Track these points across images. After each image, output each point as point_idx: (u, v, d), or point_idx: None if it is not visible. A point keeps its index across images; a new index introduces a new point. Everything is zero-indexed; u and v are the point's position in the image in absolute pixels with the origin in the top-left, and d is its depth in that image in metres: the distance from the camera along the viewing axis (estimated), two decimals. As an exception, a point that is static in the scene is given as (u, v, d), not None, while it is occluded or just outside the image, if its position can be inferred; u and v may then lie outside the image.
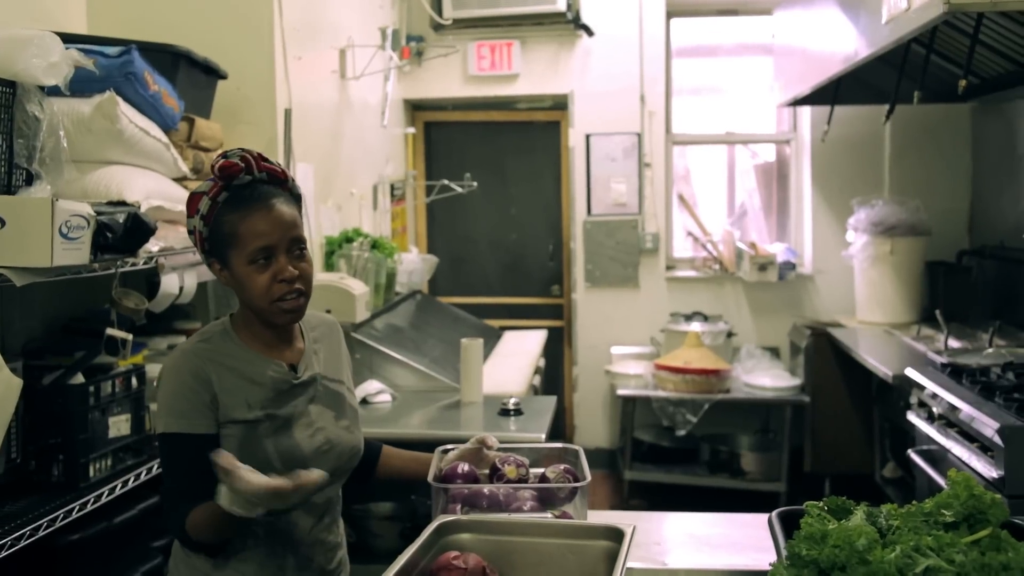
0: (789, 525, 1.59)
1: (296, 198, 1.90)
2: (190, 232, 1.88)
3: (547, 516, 1.79)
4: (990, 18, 3.54)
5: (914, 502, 1.46)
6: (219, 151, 3.14)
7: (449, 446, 2.03)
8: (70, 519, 2.21)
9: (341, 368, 2.04)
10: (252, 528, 1.81)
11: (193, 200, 1.85)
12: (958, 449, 3.27)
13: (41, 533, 2.09)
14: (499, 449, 2.02)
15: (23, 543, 2.02)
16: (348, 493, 2.10)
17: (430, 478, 1.87)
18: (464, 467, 1.92)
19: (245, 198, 1.81)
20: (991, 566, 1.23)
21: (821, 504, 1.52)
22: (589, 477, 1.84)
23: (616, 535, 1.56)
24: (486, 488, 1.85)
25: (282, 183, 1.88)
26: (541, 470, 1.95)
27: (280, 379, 1.87)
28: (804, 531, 1.37)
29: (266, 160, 1.86)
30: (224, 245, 1.82)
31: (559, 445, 2.06)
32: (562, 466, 1.92)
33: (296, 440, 1.85)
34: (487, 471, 1.96)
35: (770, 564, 1.40)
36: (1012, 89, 4.45)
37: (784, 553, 1.39)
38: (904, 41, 3.48)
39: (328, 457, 1.89)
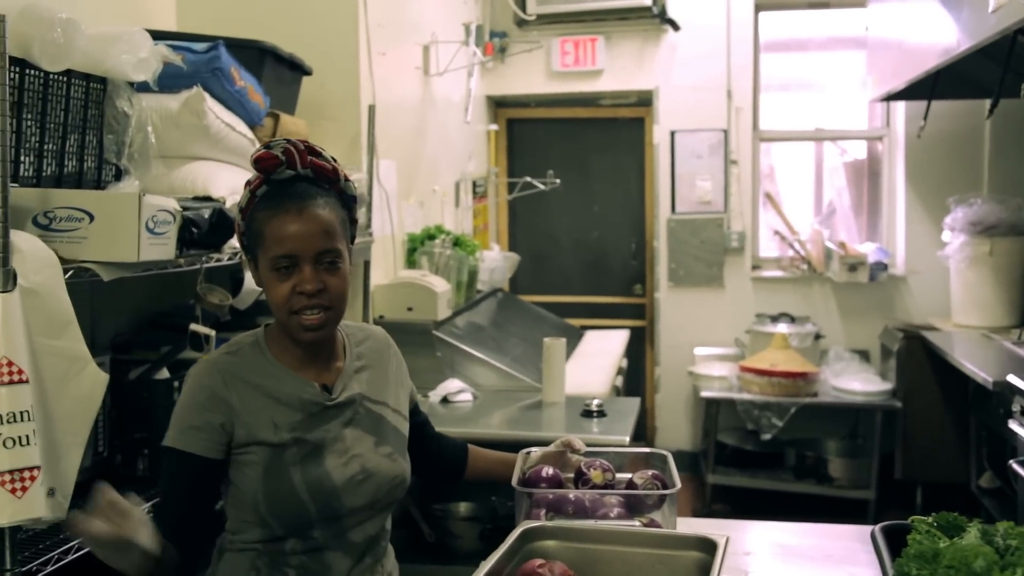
0: (893, 540, 1.50)
1: (347, 200, 1.74)
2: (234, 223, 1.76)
3: (635, 524, 1.73)
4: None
5: (1034, 521, 1.36)
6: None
7: (533, 448, 1.98)
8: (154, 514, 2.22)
9: (388, 388, 1.86)
10: (283, 571, 1.69)
11: (244, 188, 1.73)
12: (1065, 461, 3.11)
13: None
14: (584, 453, 1.96)
15: (109, 536, 2.02)
16: (429, 492, 2.07)
17: (514, 482, 1.82)
18: (548, 471, 1.87)
19: (280, 196, 1.65)
20: (1124, 594, 1.14)
21: (930, 519, 1.43)
22: (679, 484, 1.77)
23: (708, 546, 1.50)
24: (571, 493, 1.79)
25: (332, 182, 1.72)
26: (628, 475, 1.89)
27: (311, 401, 1.70)
28: (913, 549, 1.29)
29: (316, 155, 1.70)
30: (254, 244, 1.68)
31: (646, 450, 1.99)
32: (650, 472, 1.86)
33: (326, 468, 1.68)
34: (571, 475, 1.90)
35: (876, 584, 1.32)
36: (1124, 82, 4.22)
37: (891, 572, 1.31)
38: (1011, 32, 3.32)
39: (364, 488, 1.71)
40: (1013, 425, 3.61)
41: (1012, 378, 3.66)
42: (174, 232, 2.05)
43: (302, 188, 1.67)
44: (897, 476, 5.22)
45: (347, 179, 1.76)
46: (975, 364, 4.23)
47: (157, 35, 2.40)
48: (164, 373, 2.40)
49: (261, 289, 2.61)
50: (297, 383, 1.72)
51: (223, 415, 1.66)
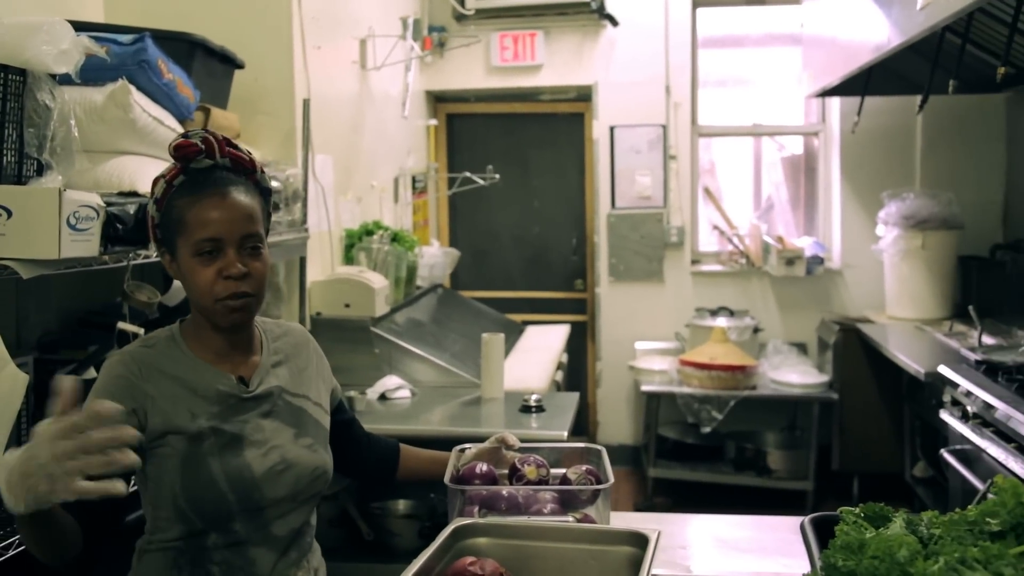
0: (822, 531, 1.51)
1: (264, 191, 1.75)
2: (148, 218, 1.73)
3: (568, 519, 1.72)
4: (1029, 4, 3.42)
5: (957, 509, 1.37)
6: (236, 142, 3.10)
7: (467, 445, 1.96)
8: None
9: (308, 382, 1.85)
10: (207, 567, 1.66)
11: (154, 183, 1.71)
12: (994, 449, 3.17)
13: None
14: (519, 448, 1.95)
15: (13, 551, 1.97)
16: (367, 491, 2.03)
17: (447, 479, 1.80)
18: (482, 467, 1.85)
19: (200, 183, 1.65)
20: (1043, 581, 1.15)
21: (857, 510, 1.44)
22: (612, 479, 1.77)
23: (640, 541, 1.49)
24: (505, 490, 1.78)
25: (249, 172, 1.72)
26: (562, 471, 1.88)
27: (227, 392, 1.69)
28: (840, 540, 1.29)
29: (233, 146, 1.71)
30: (173, 232, 1.66)
31: (581, 445, 1.98)
32: (584, 467, 1.85)
33: (246, 459, 1.66)
34: (506, 471, 1.89)
35: (803, 574, 1.32)
36: (1049, 79, 4.33)
37: (819, 563, 1.31)
38: (938, 29, 3.39)
39: (284, 479, 1.70)
40: (943, 415, 3.68)
41: (943, 369, 3.73)
42: (97, 228, 2.00)
43: (222, 176, 1.68)
44: (834, 467, 5.30)
45: (263, 171, 1.77)
46: (908, 356, 4.31)
47: (82, 27, 2.34)
48: (91, 372, 2.34)
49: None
50: (214, 375, 1.70)
51: (135, 401, 1.62)
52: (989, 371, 3.53)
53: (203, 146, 1.67)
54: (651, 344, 5.87)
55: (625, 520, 2.00)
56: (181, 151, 1.67)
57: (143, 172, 2.44)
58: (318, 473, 1.77)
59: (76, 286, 2.74)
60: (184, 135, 1.69)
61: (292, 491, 1.72)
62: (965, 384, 3.49)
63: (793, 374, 5.27)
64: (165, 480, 1.64)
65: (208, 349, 1.73)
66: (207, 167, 1.68)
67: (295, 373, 1.83)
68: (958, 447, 3.57)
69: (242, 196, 1.67)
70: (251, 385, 1.74)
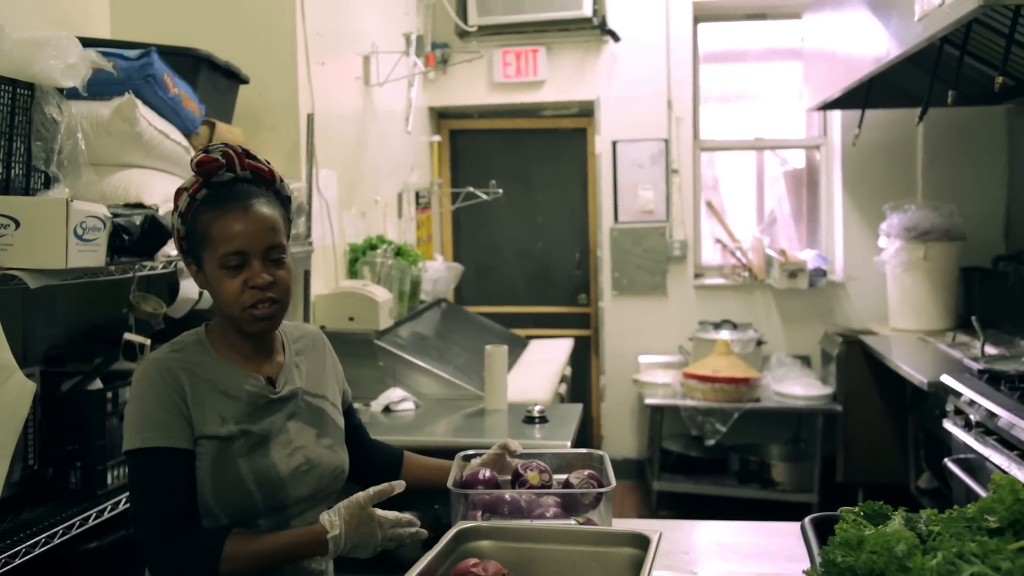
0: (823, 532, 1.52)
1: (283, 200, 1.80)
2: (172, 229, 1.78)
3: (570, 523, 1.73)
4: (1025, 15, 3.45)
5: (956, 507, 1.39)
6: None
7: (470, 451, 1.98)
8: (87, 527, 2.18)
9: (325, 383, 1.91)
10: None
11: (176, 196, 1.75)
12: (997, 457, 3.17)
13: (57, 540, 2.06)
14: (522, 455, 1.96)
15: (39, 550, 1.99)
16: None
17: (449, 483, 1.81)
18: (485, 473, 1.86)
19: (223, 197, 1.70)
20: (1040, 574, 1.16)
21: (856, 509, 1.45)
22: (614, 482, 1.78)
23: (642, 542, 1.50)
24: (507, 494, 1.79)
25: (268, 183, 1.77)
26: (565, 476, 1.89)
27: (256, 393, 1.75)
28: (839, 536, 1.31)
29: (252, 157, 1.75)
30: (199, 246, 1.71)
31: (583, 451, 2.00)
32: (586, 472, 1.86)
33: (273, 459, 1.72)
34: (509, 477, 1.90)
35: (804, 572, 1.33)
36: (1049, 90, 4.35)
37: (818, 560, 1.32)
38: (936, 40, 3.41)
39: (308, 478, 1.77)
40: (947, 425, 3.68)
41: (946, 379, 3.74)
42: (104, 239, 2.02)
43: (243, 188, 1.73)
44: (839, 479, 5.29)
45: (281, 180, 1.81)
46: (911, 367, 4.31)
47: (89, 42, 2.37)
48: (97, 384, 2.36)
49: (196, 298, 2.62)
50: (243, 377, 1.76)
51: (185, 405, 1.68)
52: (992, 380, 3.54)
53: (224, 160, 1.71)
54: (655, 358, 5.88)
55: (628, 525, 2.01)
56: (204, 166, 1.71)
57: (149, 185, 2.47)
58: (337, 472, 1.85)
59: (82, 300, 2.76)
60: (205, 150, 1.73)
61: (314, 490, 1.79)
62: (968, 393, 3.50)
63: (797, 386, 5.28)
64: (194, 477, 1.69)
65: (235, 351, 1.78)
66: (228, 180, 1.73)
67: (313, 374, 1.89)
68: (962, 456, 3.57)
69: (264, 208, 1.72)
70: (277, 385, 1.79)
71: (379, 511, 1.71)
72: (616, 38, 5.90)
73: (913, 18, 3.31)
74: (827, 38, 5.11)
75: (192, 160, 1.72)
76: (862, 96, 4.82)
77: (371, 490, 1.71)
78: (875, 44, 4.01)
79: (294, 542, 1.68)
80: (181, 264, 2.51)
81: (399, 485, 1.74)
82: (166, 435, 1.66)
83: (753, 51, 6.20)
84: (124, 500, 2.32)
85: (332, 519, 1.68)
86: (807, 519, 1.55)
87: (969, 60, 3.89)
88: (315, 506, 1.80)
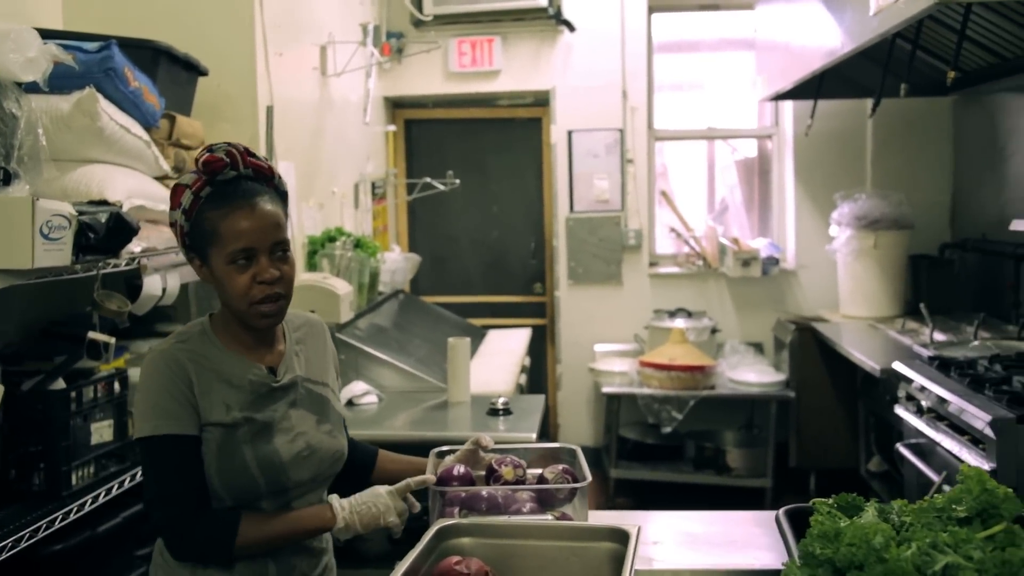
0: (796, 523, 1.56)
1: (282, 195, 1.85)
2: (172, 225, 1.82)
3: (547, 518, 1.75)
4: (976, 11, 3.53)
5: (926, 497, 1.43)
6: (201, 149, 3.08)
7: (445, 447, 1.99)
8: (53, 529, 2.15)
9: (325, 370, 1.98)
10: None
11: (176, 192, 1.79)
12: (948, 442, 3.26)
13: (23, 544, 2.03)
14: (494, 450, 1.98)
15: (4, 555, 1.96)
16: (329, 490, 2.04)
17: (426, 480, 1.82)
18: (460, 469, 1.88)
19: (228, 195, 1.75)
20: (1011, 562, 1.21)
21: (830, 501, 1.49)
22: (589, 477, 1.80)
23: (621, 536, 1.53)
24: (484, 490, 1.81)
25: (268, 180, 1.82)
26: (538, 471, 1.91)
27: (259, 382, 1.81)
28: (816, 529, 1.35)
29: (252, 155, 1.80)
30: (204, 242, 1.76)
31: (556, 445, 2.02)
32: (560, 466, 1.88)
33: (275, 445, 1.79)
34: (483, 472, 1.91)
35: (783, 564, 1.37)
36: (994, 82, 4.45)
37: (796, 552, 1.36)
38: (890, 35, 3.48)
39: (309, 463, 1.84)
40: (899, 410, 3.77)
41: (898, 365, 3.83)
42: (70, 237, 2.00)
43: (248, 186, 1.77)
44: (792, 464, 5.39)
45: (280, 177, 1.86)
46: (863, 353, 4.41)
47: (45, 34, 2.32)
48: (60, 384, 2.32)
49: (160, 295, 2.59)
50: (246, 366, 1.82)
51: (192, 393, 1.75)
52: (942, 367, 3.63)
53: (228, 159, 1.75)
54: (610, 346, 5.93)
55: (601, 518, 2.04)
56: (209, 166, 1.75)
57: (111, 180, 2.43)
58: (337, 456, 1.91)
59: (36, 296, 2.71)
60: (208, 149, 1.77)
61: (314, 474, 1.86)
62: (919, 380, 3.59)
63: (751, 373, 5.36)
64: (203, 461, 1.75)
65: (238, 341, 1.84)
66: (232, 178, 1.77)
67: (313, 361, 1.95)
68: (913, 441, 3.66)
69: (268, 205, 1.77)
70: (279, 374, 1.85)
71: (386, 489, 1.82)
72: (571, 28, 5.92)
73: (868, 12, 3.37)
74: (780, 30, 5.18)
75: (197, 159, 1.76)
76: (814, 87, 4.90)
77: (399, 484, 1.82)
78: (829, 37, 4.07)
79: (304, 519, 1.80)
80: (144, 261, 2.49)
81: (430, 479, 1.82)
82: (175, 423, 1.72)
83: (706, 41, 6.26)
84: (90, 501, 2.30)
85: (341, 502, 1.80)
86: (781, 511, 1.59)
87: (920, 54, 3.97)
88: (315, 489, 1.88)
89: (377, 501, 1.79)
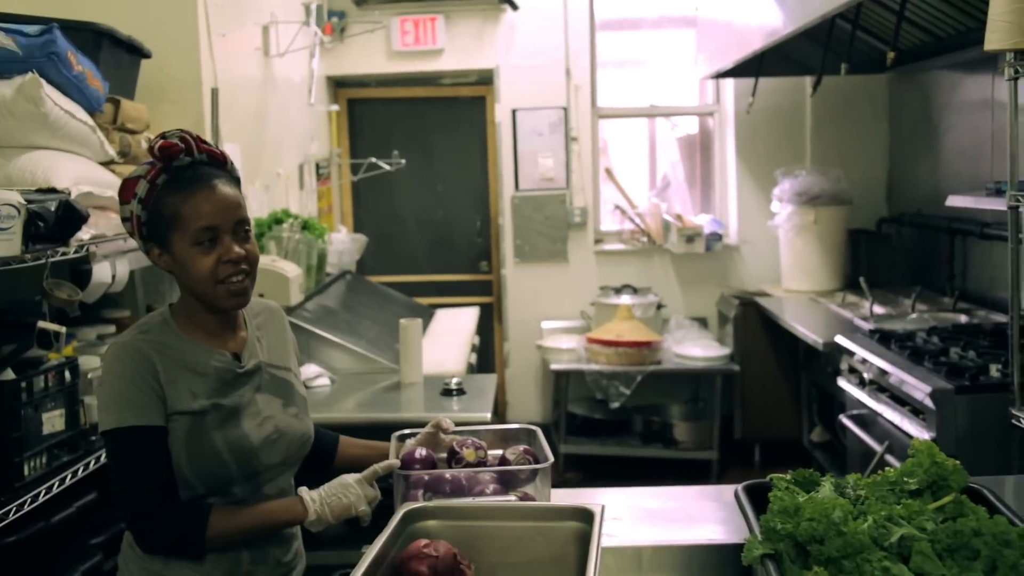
0: (754, 498, 1.61)
1: (236, 181, 1.86)
2: (125, 219, 1.80)
3: (510, 499, 1.78)
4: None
5: (880, 472, 1.49)
6: (146, 133, 3.04)
7: (406, 431, 2.01)
8: (6, 521, 2.12)
9: (287, 355, 1.99)
10: None
11: (128, 185, 1.78)
12: (889, 413, 3.36)
13: (-24, 537, 2.00)
14: (454, 432, 2.00)
15: (-41, 548, 1.93)
16: (297, 478, 2.05)
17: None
18: (422, 452, 1.89)
19: (187, 179, 1.75)
20: (962, 532, 1.26)
21: (788, 476, 1.54)
22: (551, 458, 1.83)
23: (586, 516, 1.56)
24: (448, 473, 1.83)
25: (221, 165, 1.83)
26: (498, 452, 1.93)
27: (224, 368, 1.82)
28: (776, 505, 1.39)
29: (204, 142, 1.81)
30: (165, 228, 1.76)
31: (515, 426, 2.05)
32: (521, 447, 1.91)
33: (244, 430, 1.80)
34: (444, 455, 1.93)
35: (745, 539, 1.41)
36: (928, 60, 4.57)
37: (757, 527, 1.40)
38: (831, 16, 3.54)
39: (278, 446, 1.85)
40: (841, 382, 3.87)
41: (840, 339, 3.92)
42: (19, 227, 1.97)
43: (205, 171, 1.78)
44: (737, 436, 5.50)
45: (232, 163, 1.87)
46: (805, 327, 4.51)
47: (-25, 16, 2.28)
48: (9, 374, 2.28)
49: (109, 282, 2.55)
50: (210, 353, 1.82)
51: (158, 383, 1.74)
52: (882, 339, 3.74)
53: (182, 144, 1.75)
54: (557, 323, 5.98)
55: (557, 496, 2.07)
56: (166, 151, 1.74)
57: (58, 167, 2.38)
58: (304, 439, 1.93)
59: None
60: (162, 135, 1.77)
61: (283, 457, 1.87)
62: (861, 352, 3.69)
63: (696, 348, 5.44)
64: (172, 452, 1.75)
65: (200, 329, 1.84)
66: (187, 164, 1.77)
67: (274, 347, 1.96)
68: (855, 412, 3.77)
69: (227, 187, 1.78)
70: (243, 360, 1.86)
71: (355, 478, 1.83)
72: (514, 7, 5.92)
73: (809, -7, 3.42)
74: (721, 9, 5.23)
75: (152, 146, 1.76)
76: (755, 65, 4.97)
77: (367, 471, 1.83)
78: (770, 17, 4.13)
79: (275, 512, 1.80)
80: (93, 248, 2.46)
81: (396, 464, 1.83)
82: (139, 414, 1.72)
83: (648, 19, 6.30)
84: (44, 492, 2.27)
85: (311, 494, 1.80)
86: (740, 487, 1.63)
87: (859, 33, 4.04)
88: (285, 471, 1.90)
89: (347, 491, 1.79)
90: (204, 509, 1.74)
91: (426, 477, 1.82)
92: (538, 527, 1.60)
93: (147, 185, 1.76)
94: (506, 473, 1.85)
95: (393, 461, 1.83)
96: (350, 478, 1.82)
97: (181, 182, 1.75)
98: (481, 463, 1.89)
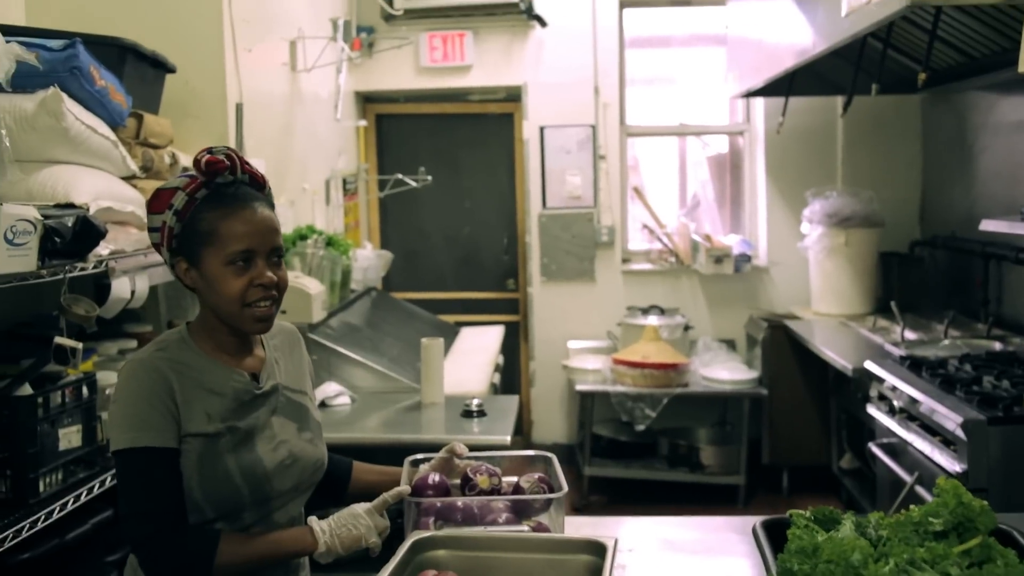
0: (773, 534, 1.56)
1: (272, 205, 1.83)
2: (154, 229, 1.77)
3: (523, 528, 1.74)
4: (947, 12, 3.55)
5: (903, 511, 1.43)
6: (169, 148, 3.04)
7: (419, 456, 1.97)
8: (21, 538, 2.11)
9: (303, 378, 1.96)
10: None
11: (163, 196, 1.75)
12: (920, 443, 3.29)
13: (-11, 553, 1.99)
14: (469, 457, 1.96)
15: (-30, 565, 1.92)
16: (307, 504, 2.02)
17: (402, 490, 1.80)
18: (435, 478, 1.86)
19: (227, 197, 1.74)
20: (989, 579, 1.21)
21: (807, 513, 1.49)
22: (566, 487, 1.79)
23: (598, 549, 1.52)
24: (460, 500, 1.79)
25: (260, 188, 1.81)
26: (514, 478, 1.89)
27: (242, 389, 1.78)
28: (793, 544, 1.34)
29: (248, 163, 1.79)
30: (198, 243, 1.73)
31: (531, 452, 2.01)
32: (536, 475, 1.87)
33: (258, 454, 1.76)
34: (458, 481, 1.90)
35: (761, 579, 1.36)
36: (963, 81, 4.48)
37: (774, 566, 1.35)
38: (862, 35, 3.48)
39: (291, 472, 1.81)
40: (871, 409, 3.79)
41: (870, 365, 3.85)
42: (35, 242, 1.96)
43: (245, 191, 1.77)
44: (764, 461, 5.41)
45: (270, 188, 1.85)
46: (835, 351, 4.43)
47: (8, 31, 2.28)
48: (27, 389, 2.27)
49: (128, 298, 2.54)
50: (227, 373, 1.79)
51: (173, 403, 1.71)
52: (913, 366, 3.65)
53: (228, 162, 1.74)
54: (584, 343, 5.93)
55: (573, 524, 2.03)
56: (211, 167, 1.72)
57: (78, 181, 2.38)
58: (318, 465, 1.89)
59: (4, 298, 2.65)
60: (208, 151, 1.74)
61: (296, 483, 1.83)
62: (891, 379, 3.61)
63: (723, 371, 5.37)
64: (183, 475, 1.71)
65: (220, 348, 1.81)
66: (229, 182, 1.76)
67: (291, 370, 1.93)
68: (885, 440, 3.69)
69: (266, 210, 1.77)
70: (261, 381, 1.83)
71: (365, 508, 1.77)
72: (543, 23, 5.90)
73: (839, 13, 3.37)
74: (752, 27, 5.18)
75: (198, 160, 1.73)
76: (785, 84, 4.91)
77: (377, 500, 1.78)
78: (800, 36, 4.08)
79: (285, 542, 1.75)
80: (112, 263, 2.45)
81: (405, 490, 1.80)
82: (154, 435, 1.68)
83: (678, 37, 6.26)
84: (58, 508, 2.25)
85: (321, 525, 1.75)
86: (758, 523, 1.58)
87: (891, 53, 3.98)
88: (296, 498, 1.86)
89: (358, 522, 1.74)
90: (213, 537, 1.69)
91: (438, 504, 1.79)
92: (549, 559, 1.56)
93: (185, 197, 1.74)
94: (520, 502, 1.81)
95: (404, 488, 1.79)
96: (360, 508, 1.77)
97: (222, 199, 1.73)
98: (495, 490, 1.86)
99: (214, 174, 1.73)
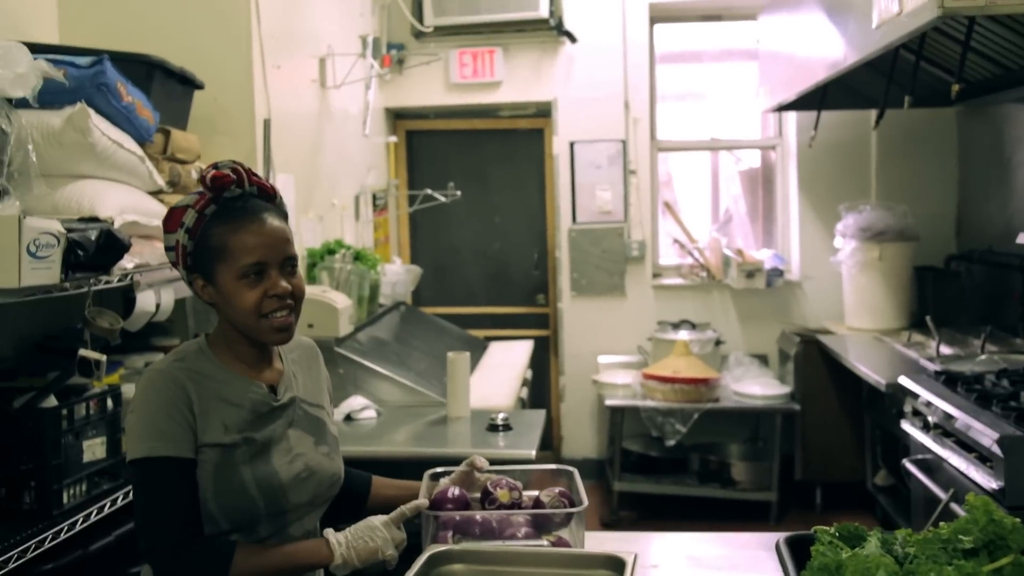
0: (796, 551, 1.52)
1: (284, 215, 1.84)
2: (169, 248, 1.78)
3: (543, 543, 1.71)
4: (980, 23, 3.49)
5: (931, 528, 1.39)
6: (196, 163, 3.06)
7: (439, 469, 1.95)
8: (44, 548, 2.12)
9: (321, 392, 1.96)
10: None
11: (175, 214, 1.77)
12: (955, 459, 3.22)
13: (12, 565, 2.00)
14: (490, 470, 1.94)
15: (-7, 576, 1.93)
16: (325, 518, 2.01)
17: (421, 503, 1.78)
18: (455, 491, 1.84)
19: (236, 211, 1.75)
20: (1018, 599, 1.16)
21: (832, 530, 1.45)
22: (586, 502, 1.76)
23: (617, 564, 1.49)
24: (478, 514, 1.77)
25: (271, 198, 1.82)
26: (535, 492, 1.87)
27: (260, 400, 1.78)
28: (817, 561, 1.31)
29: (255, 174, 1.80)
30: (211, 259, 1.74)
31: (553, 466, 1.98)
32: (557, 489, 1.84)
33: (274, 466, 1.76)
34: (478, 495, 1.88)
35: (782, 597, 1.33)
36: (999, 93, 4.41)
37: (796, 584, 1.32)
38: (894, 47, 3.44)
39: (307, 485, 1.81)
40: (905, 425, 3.72)
41: (904, 380, 3.78)
42: (58, 256, 1.97)
43: (254, 203, 1.77)
44: (797, 477, 5.34)
45: (280, 197, 1.85)
46: (868, 367, 4.36)
47: (38, 49, 2.31)
48: (52, 401, 2.29)
49: (153, 311, 2.56)
50: (245, 384, 1.79)
51: (191, 414, 1.71)
52: (948, 382, 3.58)
53: (234, 176, 1.75)
54: (614, 358, 5.89)
55: (598, 540, 2.00)
56: (218, 182, 1.73)
57: (104, 196, 2.40)
58: (334, 479, 1.89)
59: (32, 311, 2.68)
60: (214, 166, 1.75)
61: (312, 496, 1.83)
62: (926, 395, 3.54)
63: (755, 386, 5.31)
64: (198, 486, 1.71)
65: (237, 360, 1.81)
66: (237, 195, 1.76)
67: (309, 384, 1.93)
68: (920, 457, 3.61)
69: (276, 221, 1.77)
70: (279, 393, 1.83)
71: (382, 520, 1.76)
72: (573, 39, 5.89)
73: (870, 25, 3.33)
74: (783, 41, 5.15)
75: (203, 177, 1.74)
76: (818, 98, 4.86)
77: (394, 513, 1.77)
78: (832, 49, 4.03)
79: (300, 554, 1.73)
80: (137, 277, 2.46)
81: (423, 503, 1.78)
82: (171, 444, 1.68)
83: (709, 52, 6.23)
84: (82, 520, 2.26)
85: (338, 537, 1.73)
86: (781, 539, 1.54)
87: (924, 65, 3.93)
88: (312, 512, 1.85)
89: (374, 535, 1.72)
90: (228, 548, 1.68)
91: (456, 517, 1.77)
92: (568, 575, 1.53)
93: (195, 215, 1.75)
94: (540, 516, 1.78)
95: (422, 501, 1.77)
96: (377, 520, 1.75)
97: (231, 213, 1.74)
98: (515, 504, 1.84)
99: (221, 189, 1.74)
